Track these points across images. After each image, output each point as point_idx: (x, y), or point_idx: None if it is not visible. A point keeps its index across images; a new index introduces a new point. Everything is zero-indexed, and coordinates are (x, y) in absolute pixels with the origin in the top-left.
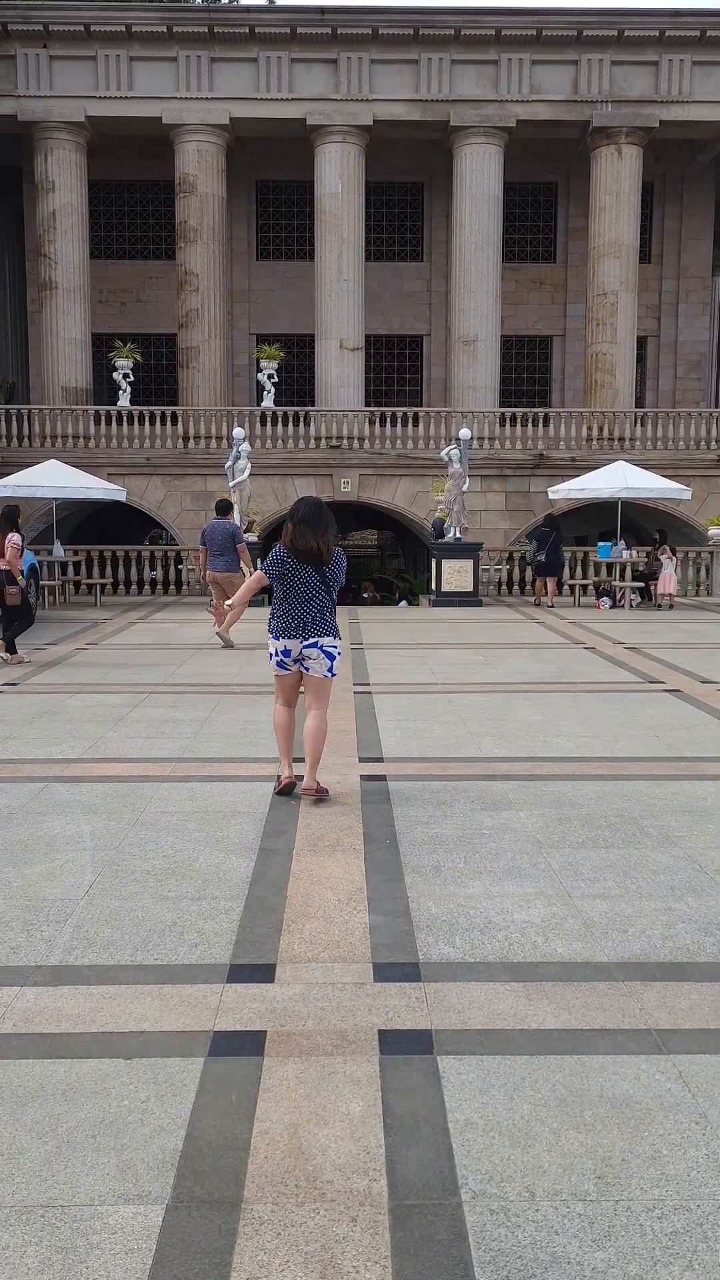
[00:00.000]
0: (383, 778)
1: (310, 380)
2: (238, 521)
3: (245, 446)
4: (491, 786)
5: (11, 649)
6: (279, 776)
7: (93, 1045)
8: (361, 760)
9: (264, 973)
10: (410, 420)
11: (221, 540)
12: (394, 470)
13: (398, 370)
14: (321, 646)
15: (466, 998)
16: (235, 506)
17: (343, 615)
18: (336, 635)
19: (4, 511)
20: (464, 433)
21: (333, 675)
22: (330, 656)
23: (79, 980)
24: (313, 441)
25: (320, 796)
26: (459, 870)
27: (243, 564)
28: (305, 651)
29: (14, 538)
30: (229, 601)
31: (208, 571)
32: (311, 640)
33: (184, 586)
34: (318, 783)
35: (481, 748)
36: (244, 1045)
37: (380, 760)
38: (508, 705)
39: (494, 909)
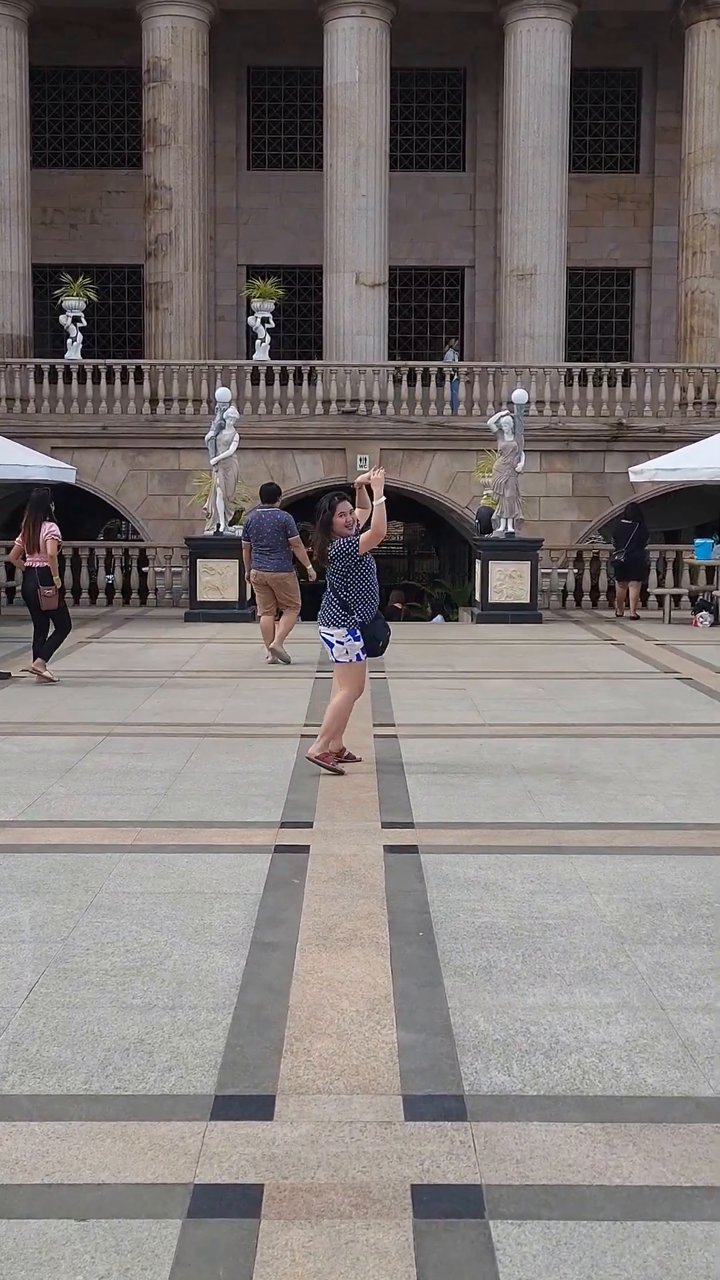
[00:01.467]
0: (413, 849)
1: (317, 326)
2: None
3: (232, 412)
4: (557, 862)
5: (44, 655)
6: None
7: (36, 1201)
8: (385, 825)
9: (260, 1107)
10: (448, 378)
11: (271, 533)
12: (426, 443)
13: (431, 313)
14: (320, 634)
15: (528, 1143)
16: (217, 490)
17: None
18: (333, 624)
19: (35, 497)
20: (518, 395)
21: (338, 660)
22: (327, 643)
23: (17, 1114)
24: (320, 406)
25: (326, 763)
26: (516, 973)
27: (299, 559)
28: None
29: (52, 528)
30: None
31: (253, 572)
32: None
33: (151, 595)
34: (329, 752)
35: (544, 810)
36: (234, 1203)
37: (410, 825)
38: (577, 754)
39: (563, 1025)
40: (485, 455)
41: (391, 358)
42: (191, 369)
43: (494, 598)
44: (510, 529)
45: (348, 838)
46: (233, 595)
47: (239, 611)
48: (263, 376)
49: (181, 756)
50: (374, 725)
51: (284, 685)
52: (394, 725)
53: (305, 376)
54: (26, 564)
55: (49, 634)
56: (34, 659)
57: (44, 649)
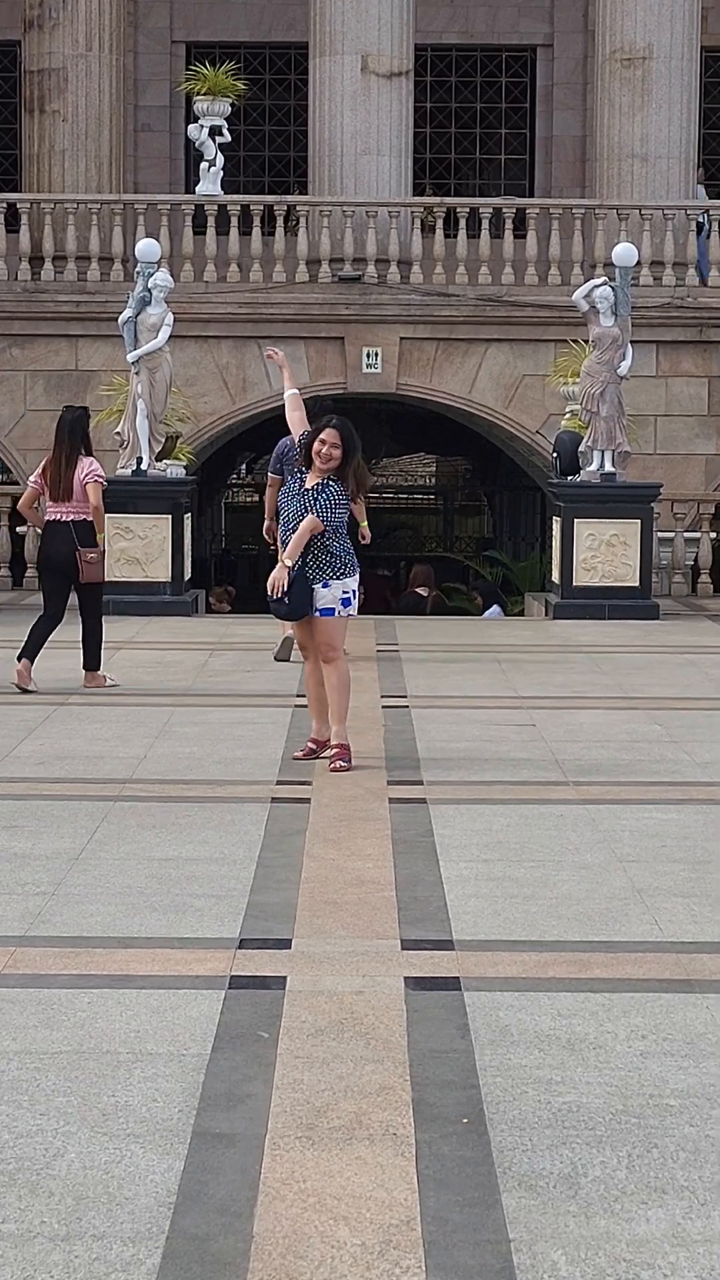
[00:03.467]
0: (452, 982)
1: (300, 140)
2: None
3: (162, 279)
4: (684, 1005)
5: (93, 662)
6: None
7: None
8: (409, 945)
9: None
10: (509, 223)
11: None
12: (474, 329)
13: (484, 120)
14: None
15: None
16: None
17: (367, 631)
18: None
19: (67, 418)
20: (623, 253)
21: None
22: (345, 603)
23: None
24: (304, 268)
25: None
26: (618, 1184)
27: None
28: None
29: (94, 466)
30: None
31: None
32: None
33: (30, 569)
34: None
35: (661, 921)
36: None
37: (447, 945)
38: (715, 832)
39: (694, 1268)
40: (569, 350)
41: (419, 191)
42: (97, 210)
43: (582, 578)
44: (609, 467)
45: (347, 964)
46: (162, 572)
47: (172, 599)
48: (212, 221)
49: (80, 832)
50: (387, 779)
51: (244, 716)
52: (422, 783)
53: (281, 222)
54: (51, 515)
55: (84, 626)
56: (20, 659)
57: (88, 650)
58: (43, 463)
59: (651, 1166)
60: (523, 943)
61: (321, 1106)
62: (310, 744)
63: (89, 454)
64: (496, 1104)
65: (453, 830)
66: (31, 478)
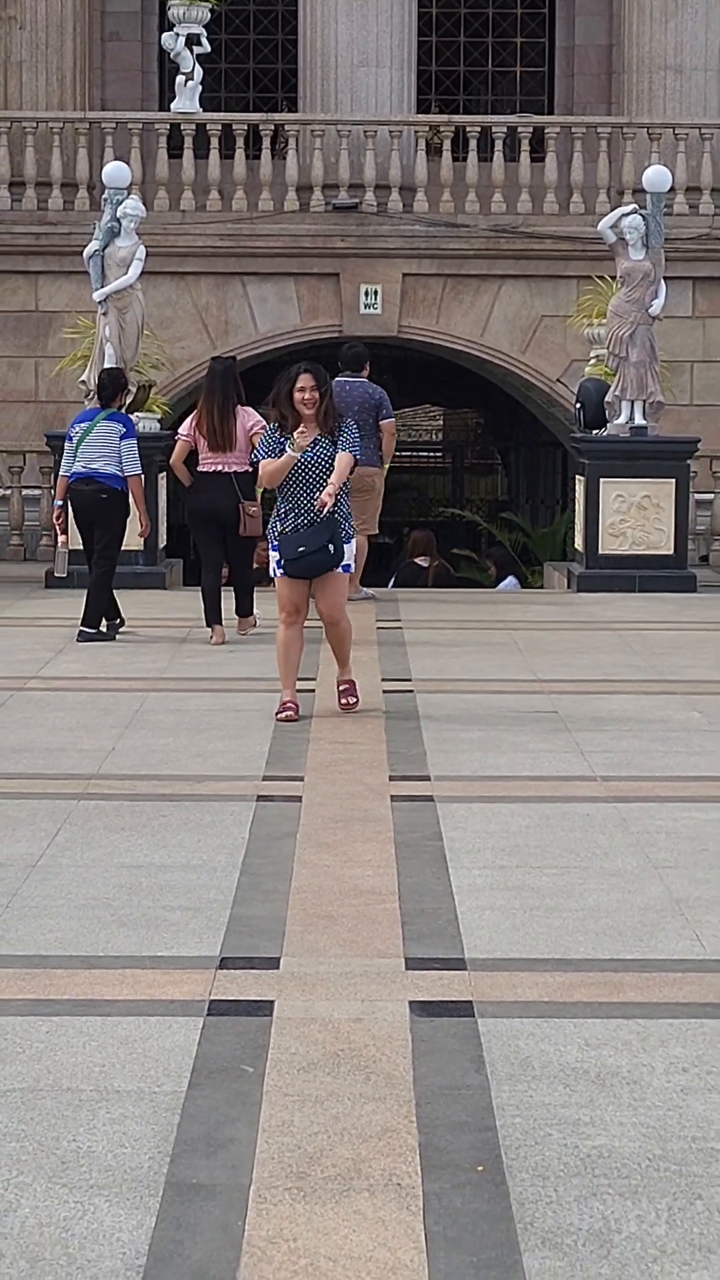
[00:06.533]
0: (464, 1006)
1: (287, 51)
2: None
3: (132, 207)
4: None
5: (247, 606)
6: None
7: None
8: (414, 965)
9: None
10: (526, 144)
11: (358, 414)
12: (485, 265)
13: (496, 28)
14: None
15: None
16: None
17: (366, 607)
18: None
19: (220, 368)
20: (655, 176)
21: None
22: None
23: None
24: (293, 195)
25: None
26: (656, 1242)
27: (383, 454)
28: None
29: (257, 416)
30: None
31: None
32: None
33: None
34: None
35: (703, 937)
36: None
37: (459, 965)
38: None
39: None
40: (594, 287)
41: (424, 108)
42: (59, 129)
43: (609, 546)
44: (639, 419)
45: (344, 987)
46: (133, 539)
47: (145, 570)
48: (189, 142)
49: (38, 836)
50: (390, 778)
51: (227, 703)
52: (428, 779)
53: (267, 143)
54: (212, 466)
55: (239, 577)
56: (211, 617)
57: (241, 598)
58: (193, 416)
59: (695, 1221)
60: (545, 961)
61: (314, 1152)
62: (289, 708)
63: (243, 400)
64: (516, 1149)
65: (464, 832)
66: (183, 431)
